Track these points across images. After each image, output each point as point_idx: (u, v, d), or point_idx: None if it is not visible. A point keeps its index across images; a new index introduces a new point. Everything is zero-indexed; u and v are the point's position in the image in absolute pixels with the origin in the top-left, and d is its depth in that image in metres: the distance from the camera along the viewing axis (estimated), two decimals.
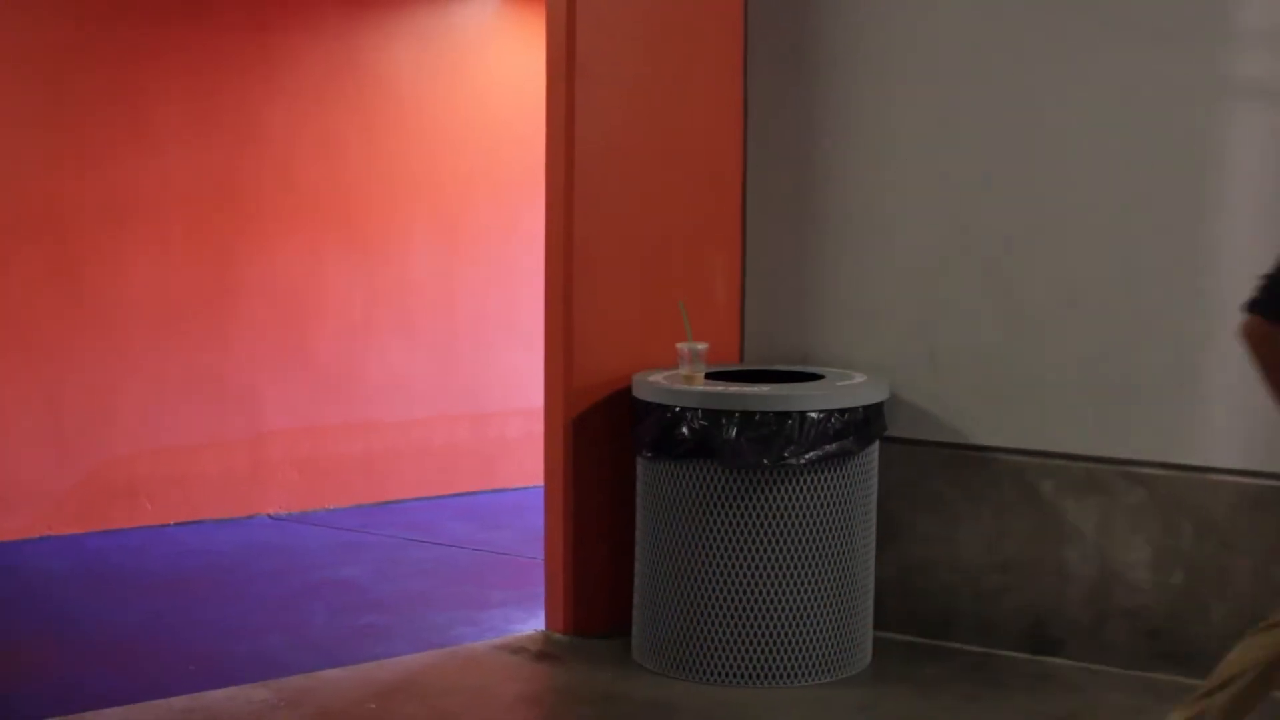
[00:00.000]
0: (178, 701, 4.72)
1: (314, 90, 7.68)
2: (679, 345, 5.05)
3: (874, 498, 5.13)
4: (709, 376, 5.11)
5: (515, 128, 8.00)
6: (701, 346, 5.02)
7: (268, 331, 7.64)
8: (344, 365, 7.85)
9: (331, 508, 7.79)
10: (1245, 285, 4.72)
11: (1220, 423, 4.90)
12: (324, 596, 6.12)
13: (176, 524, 7.33)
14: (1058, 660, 5.14)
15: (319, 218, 7.75)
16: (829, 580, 4.90)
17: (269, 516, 7.59)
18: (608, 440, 5.37)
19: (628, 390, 5.21)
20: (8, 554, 6.74)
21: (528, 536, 6.50)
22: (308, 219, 7.71)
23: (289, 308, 7.69)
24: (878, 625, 5.28)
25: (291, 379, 7.73)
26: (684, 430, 4.83)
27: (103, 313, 7.16)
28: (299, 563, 6.70)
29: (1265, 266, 4.78)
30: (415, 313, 8.10)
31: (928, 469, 5.38)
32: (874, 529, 5.15)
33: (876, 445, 5.09)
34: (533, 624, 5.55)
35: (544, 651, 5.29)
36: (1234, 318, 4.76)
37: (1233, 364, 4.84)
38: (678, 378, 5.04)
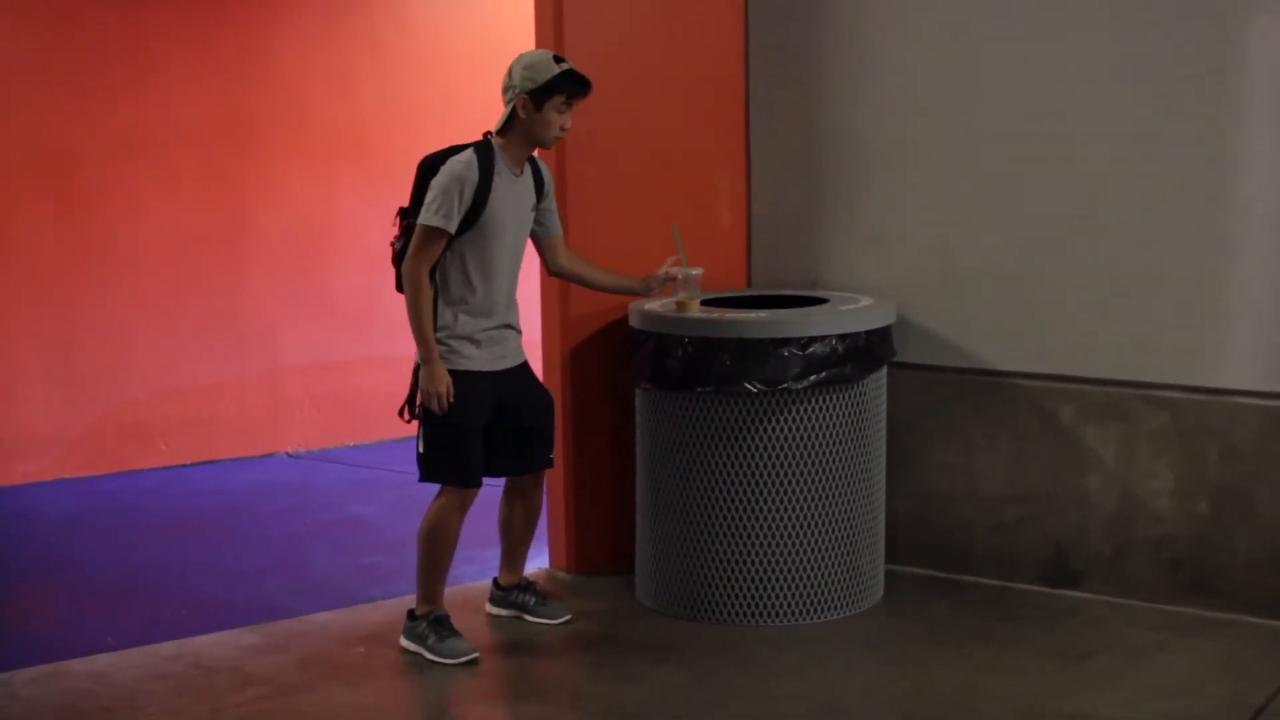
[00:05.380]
0: (166, 647, 4.64)
1: (325, 23, 7.51)
2: (672, 270, 4.82)
3: (883, 427, 4.92)
4: (713, 303, 4.90)
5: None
6: (696, 272, 4.78)
7: (284, 268, 7.52)
8: (363, 300, 7.70)
9: (353, 444, 7.68)
10: (1269, 194, 4.49)
11: (1244, 343, 4.62)
12: (332, 537, 6.01)
13: (192, 464, 7.25)
14: (1078, 594, 4.92)
15: (333, 152, 7.60)
16: (836, 513, 4.70)
17: (287, 455, 7.50)
18: (608, 372, 5.18)
19: (626, 320, 5.01)
20: (21, 497, 6.70)
21: None
22: (322, 153, 7.57)
23: (305, 243, 7.56)
24: (891, 559, 5.09)
25: (309, 315, 7.60)
26: (678, 359, 4.63)
27: (115, 254, 7.07)
28: (312, 502, 6.59)
29: None
30: None
31: (942, 396, 5.15)
32: (884, 459, 4.94)
33: (884, 371, 4.87)
34: (538, 562, 5.40)
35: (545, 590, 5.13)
36: (1258, 229, 4.53)
37: (1256, 281, 4.58)
38: (672, 305, 4.83)
